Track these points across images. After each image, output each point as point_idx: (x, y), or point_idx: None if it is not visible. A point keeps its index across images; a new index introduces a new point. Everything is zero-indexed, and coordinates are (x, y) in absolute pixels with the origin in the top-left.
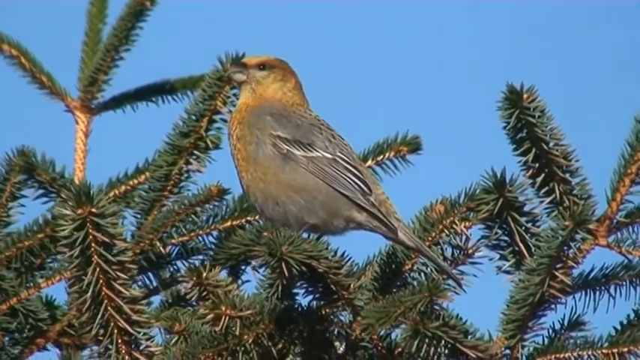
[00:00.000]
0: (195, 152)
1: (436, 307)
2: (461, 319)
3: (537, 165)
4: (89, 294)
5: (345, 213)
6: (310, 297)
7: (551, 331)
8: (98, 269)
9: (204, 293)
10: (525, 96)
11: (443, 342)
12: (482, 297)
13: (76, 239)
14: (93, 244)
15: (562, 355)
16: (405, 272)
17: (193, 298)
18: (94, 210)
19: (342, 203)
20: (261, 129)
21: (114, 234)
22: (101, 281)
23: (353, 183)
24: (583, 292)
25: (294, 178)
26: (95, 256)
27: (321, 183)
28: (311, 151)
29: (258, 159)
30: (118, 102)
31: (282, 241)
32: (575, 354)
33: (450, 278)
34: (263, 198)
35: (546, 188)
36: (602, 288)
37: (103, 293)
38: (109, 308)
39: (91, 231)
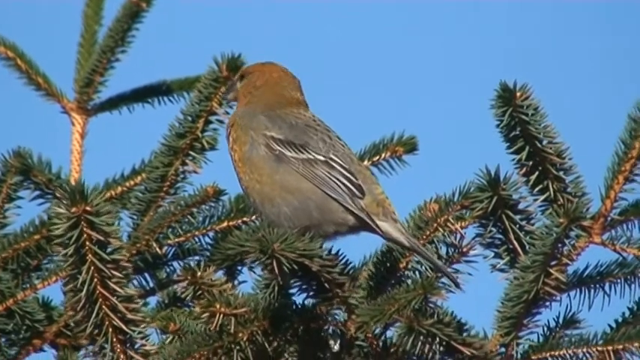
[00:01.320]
0: (191, 153)
1: (430, 304)
2: (455, 316)
3: (531, 163)
4: (84, 292)
5: (340, 215)
6: (304, 295)
7: (546, 328)
8: (92, 268)
9: (199, 292)
10: (518, 94)
11: (437, 339)
12: (476, 295)
13: (71, 237)
14: (87, 243)
15: (557, 353)
16: (400, 270)
17: (188, 297)
18: (88, 208)
19: (335, 205)
20: (255, 129)
21: (108, 232)
22: (96, 280)
23: (342, 186)
24: (578, 290)
25: (287, 179)
26: (90, 255)
27: (313, 185)
28: (303, 153)
29: (252, 159)
30: (114, 103)
31: (275, 238)
32: (570, 351)
33: (447, 277)
34: (260, 199)
35: (540, 186)
36: (597, 285)
37: (97, 292)
38: (104, 307)
39: (85, 229)
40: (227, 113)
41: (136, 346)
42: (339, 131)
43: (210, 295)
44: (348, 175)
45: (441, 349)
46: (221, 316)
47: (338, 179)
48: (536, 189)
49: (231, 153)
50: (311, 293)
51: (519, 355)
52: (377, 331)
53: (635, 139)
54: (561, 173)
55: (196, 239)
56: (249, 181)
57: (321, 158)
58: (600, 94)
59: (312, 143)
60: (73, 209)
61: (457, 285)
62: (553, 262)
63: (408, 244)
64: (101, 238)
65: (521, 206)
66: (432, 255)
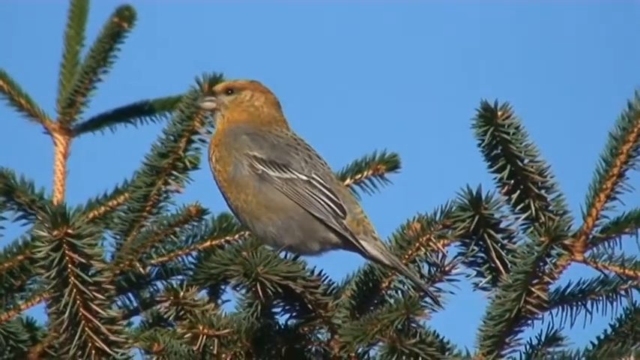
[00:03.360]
0: (174, 173)
1: (413, 324)
2: (438, 336)
3: (513, 182)
4: (66, 315)
5: (322, 234)
6: (287, 316)
7: (528, 346)
8: (75, 290)
9: (182, 313)
10: (500, 113)
11: (420, 359)
12: (459, 314)
13: (53, 260)
14: (69, 265)
15: None
16: (382, 290)
17: (171, 318)
18: (70, 231)
19: (317, 224)
20: (238, 149)
21: (90, 255)
22: (78, 302)
23: (326, 206)
24: (560, 308)
25: (271, 198)
26: (72, 277)
27: (296, 204)
28: (286, 172)
29: (237, 179)
30: (96, 123)
31: (258, 261)
32: None
33: (427, 295)
34: (249, 218)
35: (522, 205)
36: (579, 303)
37: (80, 314)
38: (87, 329)
39: (67, 252)
40: (209, 132)
41: None
42: (322, 149)
43: (193, 315)
44: (330, 194)
45: None
46: (204, 337)
47: (321, 199)
48: (518, 207)
49: (214, 173)
50: (294, 314)
51: None
52: (360, 350)
53: (616, 157)
54: (543, 192)
55: (179, 259)
56: (236, 201)
57: (304, 178)
58: (581, 112)
59: (294, 163)
60: (55, 232)
61: (437, 303)
62: (535, 281)
63: (388, 262)
64: (83, 260)
65: (502, 225)
66: (413, 273)
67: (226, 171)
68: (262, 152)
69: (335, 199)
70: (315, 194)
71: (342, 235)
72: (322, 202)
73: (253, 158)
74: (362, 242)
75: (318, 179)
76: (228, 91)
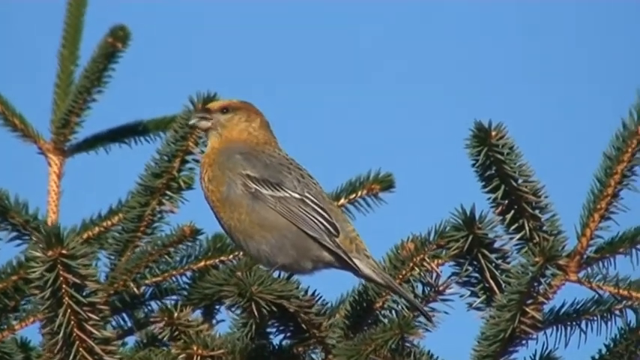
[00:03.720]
0: (168, 193)
1: (407, 344)
2: (432, 355)
3: (507, 202)
4: (61, 335)
5: (315, 252)
6: (282, 336)
7: None
8: (69, 310)
9: (176, 333)
10: (493, 133)
11: None
12: (453, 334)
13: (47, 281)
14: (64, 286)
15: None
16: (376, 310)
17: (165, 338)
18: (64, 252)
19: (310, 243)
20: (231, 169)
21: (85, 275)
22: (72, 322)
23: (319, 224)
24: (554, 328)
25: (264, 217)
26: (66, 298)
27: (290, 222)
28: (279, 191)
29: (231, 199)
30: (90, 144)
31: (252, 281)
32: None
33: (421, 314)
34: (243, 237)
35: (516, 225)
36: (574, 323)
37: (74, 334)
38: (81, 349)
39: (61, 272)
40: (203, 152)
41: None
42: (316, 169)
43: (187, 336)
44: (323, 213)
45: None
46: (198, 357)
47: (314, 217)
48: (512, 227)
49: (207, 193)
50: (288, 334)
51: None
52: None
53: (611, 177)
54: (537, 212)
55: (174, 279)
56: (229, 220)
57: (297, 196)
58: (575, 132)
59: (286, 182)
60: (49, 253)
61: (430, 321)
62: (529, 301)
63: (380, 281)
64: (77, 281)
65: (496, 245)
66: (406, 291)
67: (219, 191)
68: (255, 171)
69: (328, 217)
70: (308, 212)
71: (335, 254)
72: (315, 220)
73: (246, 177)
74: (355, 260)
75: (311, 198)
76: (224, 110)
